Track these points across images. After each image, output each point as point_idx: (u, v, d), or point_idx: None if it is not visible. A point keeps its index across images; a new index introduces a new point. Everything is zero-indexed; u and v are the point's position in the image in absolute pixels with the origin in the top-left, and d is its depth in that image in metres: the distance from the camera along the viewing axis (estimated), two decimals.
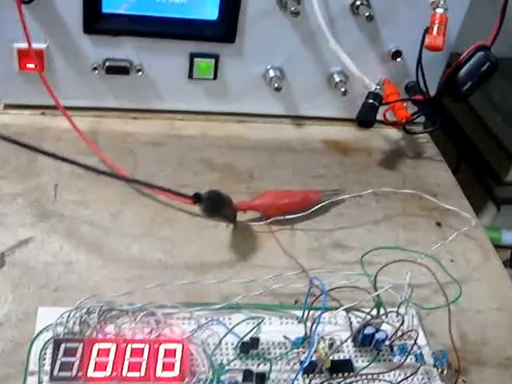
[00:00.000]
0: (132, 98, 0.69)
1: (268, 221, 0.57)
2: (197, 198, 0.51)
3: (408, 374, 0.47)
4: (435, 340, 0.51)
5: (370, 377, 0.46)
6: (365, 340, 0.47)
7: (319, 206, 0.60)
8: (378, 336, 0.46)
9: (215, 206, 0.53)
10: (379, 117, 0.67)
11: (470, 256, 0.60)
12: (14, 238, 0.55)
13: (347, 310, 0.48)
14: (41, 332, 0.46)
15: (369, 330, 0.46)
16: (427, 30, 0.62)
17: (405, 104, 0.68)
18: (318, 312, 0.47)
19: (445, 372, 0.48)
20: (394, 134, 0.75)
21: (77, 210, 0.58)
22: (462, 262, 0.58)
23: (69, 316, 0.47)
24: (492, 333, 0.54)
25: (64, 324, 0.47)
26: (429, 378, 0.48)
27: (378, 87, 0.64)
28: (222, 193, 0.54)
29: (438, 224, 0.63)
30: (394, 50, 0.69)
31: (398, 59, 0.69)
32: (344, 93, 0.69)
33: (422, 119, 0.73)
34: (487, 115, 0.86)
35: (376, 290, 0.49)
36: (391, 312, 0.49)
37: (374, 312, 0.49)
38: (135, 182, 0.51)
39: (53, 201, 0.59)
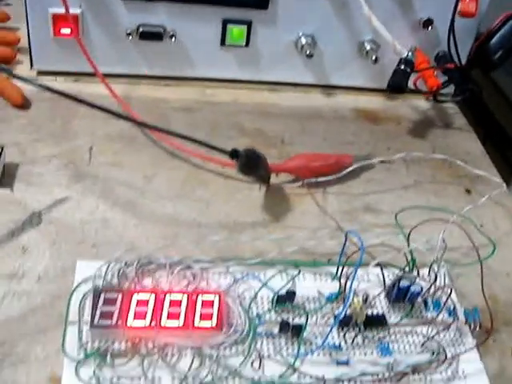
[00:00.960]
0: (164, 65, 0.70)
1: (301, 182, 0.58)
2: (234, 154, 0.52)
3: (441, 329, 0.47)
4: (466, 301, 0.51)
5: (403, 330, 0.47)
6: (399, 294, 0.48)
7: (350, 169, 0.60)
8: (413, 289, 0.47)
9: (252, 163, 0.53)
10: (410, 86, 0.67)
11: (499, 222, 0.61)
12: (50, 197, 0.55)
13: (381, 266, 0.49)
14: (80, 284, 0.47)
15: (404, 283, 0.47)
16: None
17: (435, 73, 0.68)
18: (352, 269, 0.48)
19: (477, 329, 0.49)
20: (423, 104, 0.75)
21: (111, 171, 0.59)
22: (492, 228, 0.59)
23: (107, 269, 0.48)
24: None
25: (102, 277, 0.48)
26: (460, 335, 0.48)
27: (410, 53, 0.64)
28: (259, 152, 0.54)
29: (468, 191, 0.64)
30: (425, 19, 0.69)
31: (429, 28, 0.69)
32: (375, 61, 0.69)
33: (450, 90, 0.74)
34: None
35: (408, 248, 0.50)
36: (424, 268, 0.49)
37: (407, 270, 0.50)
38: (175, 135, 0.51)
39: (87, 163, 0.60)
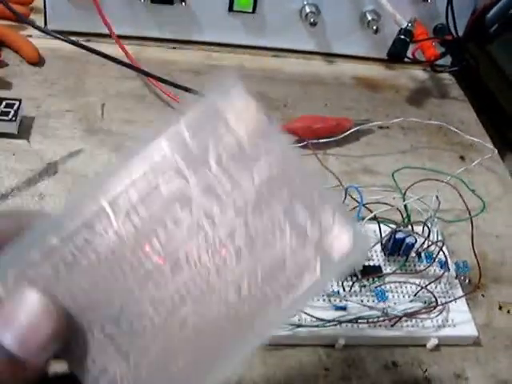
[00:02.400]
0: (173, 29, 0.72)
1: (305, 143, 0.60)
2: None
3: (433, 280, 0.50)
4: (456, 258, 0.54)
5: (398, 280, 0.50)
6: (395, 246, 0.50)
7: (350, 132, 0.63)
8: (408, 240, 0.50)
9: None
10: (408, 56, 0.70)
11: (490, 187, 0.64)
12: (65, 149, 0.58)
13: (378, 220, 0.51)
14: None
15: (399, 235, 0.50)
16: None
17: (433, 44, 0.71)
18: None
19: (466, 281, 0.52)
20: (421, 74, 0.78)
21: (123, 127, 0.62)
22: (483, 192, 0.61)
23: None
24: (510, 255, 0.57)
25: None
26: (451, 287, 0.51)
27: (410, 24, 0.67)
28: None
29: (462, 157, 0.67)
30: None
31: (428, 0, 0.72)
32: (375, 31, 0.71)
33: (447, 62, 0.76)
34: (507, 66, 0.88)
35: (405, 205, 0.52)
36: (418, 226, 0.52)
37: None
38: (190, 92, 0.54)
39: (100, 118, 0.62)
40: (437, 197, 0.51)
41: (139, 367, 0.27)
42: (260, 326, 0.27)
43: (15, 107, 0.57)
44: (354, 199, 0.51)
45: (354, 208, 0.51)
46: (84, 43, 0.68)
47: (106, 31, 0.66)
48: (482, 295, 0.53)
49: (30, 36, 0.68)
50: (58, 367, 0.27)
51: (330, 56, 0.77)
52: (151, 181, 0.27)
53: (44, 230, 0.27)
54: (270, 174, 0.27)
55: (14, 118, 0.57)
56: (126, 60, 0.64)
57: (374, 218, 0.50)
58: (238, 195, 0.27)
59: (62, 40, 0.52)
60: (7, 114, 0.57)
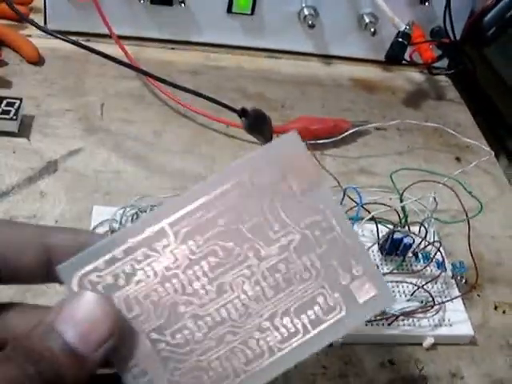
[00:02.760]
0: (172, 30, 0.73)
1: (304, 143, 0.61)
2: (243, 112, 0.55)
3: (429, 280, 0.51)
4: (453, 259, 0.54)
5: (395, 280, 0.50)
6: (392, 246, 0.51)
7: (348, 133, 0.64)
8: (406, 240, 0.50)
9: (258, 122, 0.57)
10: (406, 58, 0.70)
11: (486, 189, 0.64)
12: (65, 148, 0.58)
13: (375, 220, 0.52)
14: (97, 226, 0.50)
15: (397, 235, 0.50)
16: None
17: (430, 46, 0.72)
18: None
19: (463, 281, 0.53)
20: (417, 76, 0.79)
21: (122, 126, 0.62)
22: (479, 194, 0.61)
23: (123, 213, 0.51)
24: (505, 256, 0.58)
25: (118, 220, 0.50)
26: (447, 287, 0.52)
27: (408, 27, 0.68)
28: (265, 113, 0.58)
29: (458, 159, 0.67)
30: None
31: (426, 3, 0.72)
32: (373, 33, 0.72)
33: (443, 64, 0.77)
34: (503, 69, 0.88)
35: (403, 206, 0.53)
36: (416, 224, 0.52)
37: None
38: (193, 93, 0.55)
39: (100, 118, 0.63)
40: (434, 198, 0.52)
41: (175, 374, 0.31)
42: (286, 354, 0.31)
43: (16, 106, 0.58)
44: (353, 200, 0.52)
45: (351, 208, 0.52)
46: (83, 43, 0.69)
47: (105, 31, 0.66)
48: (478, 295, 0.54)
49: (30, 36, 0.69)
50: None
51: (327, 57, 0.77)
52: (209, 211, 0.31)
53: (109, 242, 0.30)
54: (314, 219, 0.32)
55: (14, 117, 0.57)
56: (125, 60, 0.64)
57: (372, 219, 0.51)
58: (283, 234, 0.32)
59: (63, 39, 0.52)
60: (8, 112, 0.57)
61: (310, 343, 0.32)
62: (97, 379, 0.31)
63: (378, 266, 0.52)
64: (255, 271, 0.31)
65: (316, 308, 0.32)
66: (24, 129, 0.59)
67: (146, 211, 0.51)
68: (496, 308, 0.53)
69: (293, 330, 0.32)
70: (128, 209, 0.51)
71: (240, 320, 0.31)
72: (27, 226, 0.33)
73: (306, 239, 0.32)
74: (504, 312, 0.53)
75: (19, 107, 0.58)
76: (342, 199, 0.52)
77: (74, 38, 0.65)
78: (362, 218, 0.51)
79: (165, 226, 0.31)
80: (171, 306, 0.31)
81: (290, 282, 0.32)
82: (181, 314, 0.31)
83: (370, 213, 0.51)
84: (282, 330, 0.32)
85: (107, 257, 0.30)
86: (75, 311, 0.27)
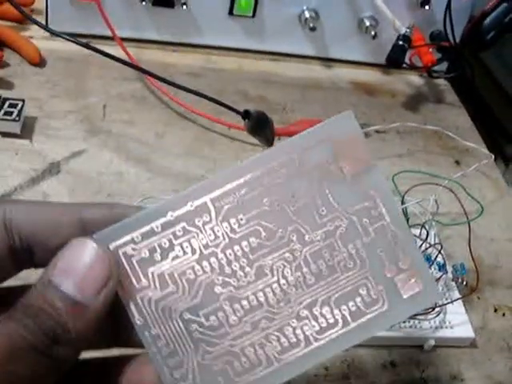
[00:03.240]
0: (174, 32, 0.73)
1: None
2: (246, 114, 0.55)
3: None
4: (453, 261, 0.54)
5: None
6: None
7: None
8: None
9: (261, 124, 0.57)
10: (405, 61, 0.71)
11: (485, 192, 0.65)
12: (68, 149, 0.59)
13: None
14: None
15: None
16: None
17: (430, 50, 0.72)
18: None
19: (463, 283, 0.53)
20: (417, 79, 0.79)
21: (124, 128, 0.62)
22: (478, 197, 0.62)
23: None
24: (504, 259, 0.58)
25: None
26: (448, 290, 0.52)
27: (408, 30, 0.68)
28: (267, 115, 0.58)
29: (457, 162, 0.68)
30: None
31: (426, 7, 0.73)
32: (373, 36, 0.72)
33: (442, 68, 0.78)
34: (500, 74, 0.89)
35: (405, 208, 0.53)
36: (416, 227, 0.53)
37: None
38: (196, 94, 0.55)
39: (102, 119, 0.63)
40: (436, 200, 0.52)
41: (205, 358, 0.30)
42: (322, 346, 0.30)
43: (18, 107, 0.58)
44: None
45: None
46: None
47: (107, 33, 0.66)
48: (478, 298, 0.54)
49: (32, 37, 0.69)
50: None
51: (327, 60, 0.78)
52: (254, 189, 0.30)
53: (148, 214, 0.29)
54: (363, 206, 0.30)
55: (17, 118, 0.57)
56: (124, 66, 0.64)
57: None
58: (330, 219, 0.30)
59: (68, 40, 0.52)
60: (11, 113, 0.57)
61: (349, 336, 0.30)
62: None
63: None
64: (297, 256, 0.30)
65: (358, 299, 0.31)
66: (26, 130, 0.59)
67: None
68: (496, 310, 0.54)
69: (332, 320, 0.30)
70: None
71: (277, 306, 0.30)
72: (59, 204, 0.33)
73: (353, 226, 0.30)
74: (504, 315, 0.54)
75: (22, 108, 0.58)
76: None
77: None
78: None
79: (207, 200, 0.29)
80: (207, 285, 0.30)
81: (333, 270, 0.30)
82: (216, 295, 0.30)
83: None
84: (321, 319, 0.30)
85: (144, 229, 0.29)
86: (69, 262, 0.28)
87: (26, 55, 0.67)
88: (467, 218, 0.52)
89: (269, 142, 0.61)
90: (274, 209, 0.30)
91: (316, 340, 0.30)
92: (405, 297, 0.31)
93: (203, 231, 0.30)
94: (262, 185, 0.30)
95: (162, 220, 0.29)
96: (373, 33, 0.72)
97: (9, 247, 0.30)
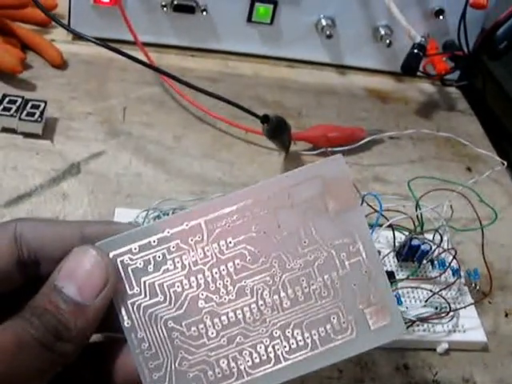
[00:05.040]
0: (193, 37, 0.74)
1: (323, 150, 0.62)
2: (265, 118, 0.57)
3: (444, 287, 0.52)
4: (465, 266, 0.56)
5: (410, 286, 0.52)
6: (409, 252, 0.52)
7: (363, 142, 0.65)
8: (423, 247, 0.51)
9: (279, 128, 0.58)
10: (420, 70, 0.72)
11: (496, 198, 0.65)
12: (88, 150, 0.60)
13: (393, 227, 0.53)
14: None
15: (415, 242, 0.52)
16: None
17: (444, 59, 0.73)
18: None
19: (476, 288, 0.54)
20: (429, 87, 0.80)
21: (143, 130, 0.63)
22: (490, 203, 0.63)
23: (146, 215, 0.52)
24: None
25: (141, 223, 0.51)
26: (460, 294, 0.53)
27: (423, 39, 0.69)
28: (286, 120, 0.59)
29: (468, 169, 0.69)
30: (437, 8, 0.74)
31: (440, 17, 0.74)
32: (388, 45, 0.73)
33: (454, 76, 0.79)
34: (509, 84, 0.90)
35: (419, 213, 0.54)
36: (430, 232, 0.53)
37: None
38: (218, 99, 0.56)
39: (121, 121, 0.64)
40: (450, 206, 0.53)
41: (182, 364, 0.32)
42: (290, 365, 0.33)
43: (41, 108, 0.59)
44: (371, 207, 0.53)
45: (366, 216, 0.53)
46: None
47: (127, 38, 0.67)
48: (489, 302, 0.55)
49: (54, 40, 0.70)
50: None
51: (342, 68, 0.79)
52: (245, 216, 0.33)
53: (147, 229, 0.32)
54: (343, 241, 0.33)
55: (39, 119, 0.58)
56: (145, 69, 0.65)
57: (389, 226, 0.52)
58: (311, 250, 0.33)
59: (90, 41, 0.54)
60: (33, 114, 0.59)
61: (316, 359, 0.33)
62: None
63: (393, 272, 0.53)
64: (277, 281, 0.33)
65: (328, 326, 0.33)
66: (48, 131, 0.60)
67: (167, 214, 0.52)
68: (507, 315, 0.55)
69: (302, 343, 0.33)
70: (151, 211, 0.52)
71: (253, 324, 0.33)
72: (63, 221, 0.37)
73: (331, 259, 0.33)
74: None
75: (44, 110, 0.59)
76: (361, 205, 0.53)
77: None
78: (380, 225, 0.52)
79: (201, 222, 0.32)
80: (192, 299, 0.32)
81: (309, 297, 0.33)
82: (199, 309, 0.33)
83: (387, 220, 0.52)
84: (292, 341, 0.33)
85: (142, 242, 0.32)
86: (71, 267, 0.31)
87: (49, 58, 0.68)
88: (481, 224, 0.53)
89: (285, 147, 0.62)
90: (261, 236, 0.33)
91: (285, 359, 0.33)
92: (372, 328, 0.33)
93: (194, 249, 0.33)
94: (252, 213, 0.33)
95: (159, 235, 0.32)
96: (387, 41, 0.73)
97: (18, 259, 0.33)
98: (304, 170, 0.33)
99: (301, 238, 0.33)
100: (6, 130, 0.59)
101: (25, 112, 0.59)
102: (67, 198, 0.55)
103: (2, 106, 0.59)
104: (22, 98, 0.60)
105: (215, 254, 0.33)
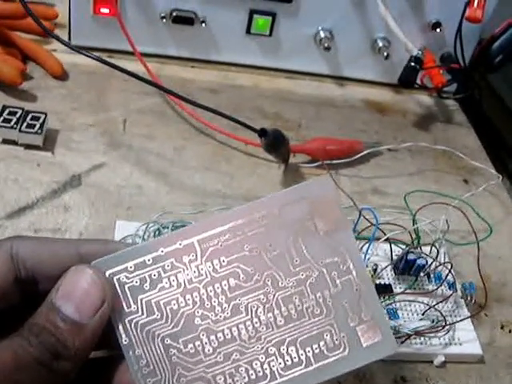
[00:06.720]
0: (192, 48, 0.75)
1: (321, 163, 0.63)
2: (263, 132, 0.57)
3: (441, 300, 0.52)
4: (461, 279, 0.56)
5: (407, 299, 0.52)
6: (406, 265, 0.53)
7: (361, 154, 0.65)
8: (419, 262, 0.52)
9: (277, 142, 0.59)
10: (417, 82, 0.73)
11: (493, 211, 0.66)
12: (89, 162, 0.60)
13: (390, 241, 0.54)
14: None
15: (411, 256, 0.52)
16: (468, 3, 0.68)
17: (441, 71, 0.74)
18: (361, 243, 0.52)
19: (472, 301, 0.54)
20: (427, 100, 0.81)
21: (144, 142, 0.64)
22: (486, 216, 0.63)
23: (146, 228, 0.52)
24: (511, 277, 0.60)
25: (141, 236, 0.52)
26: (457, 307, 0.53)
27: (420, 52, 0.70)
28: (284, 133, 0.60)
29: (465, 181, 0.69)
30: (434, 21, 0.74)
31: (437, 30, 0.75)
32: (386, 57, 0.74)
33: (452, 89, 0.79)
34: (507, 96, 0.90)
35: (416, 227, 0.54)
36: (427, 245, 0.54)
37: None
38: (212, 112, 0.57)
39: (122, 133, 0.64)
40: (446, 220, 0.54)
41: (180, 381, 0.33)
42: (285, 381, 0.34)
43: (41, 120, 0.59)
44: (368, 220, 0.53)
45: (364, 229, 0.54)
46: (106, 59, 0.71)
47: (128, 48, 0.68)
48: (486, 315, 0.56)
49: (55, 51, 0.70)
50: None
51: (341, 79, 0.79)
52: (237, 236, 0.34)
53: (142, 248, 0.33)
54: (333, 260, 0.34)
55: (39, 131, 0.59)
56: (147, 77, 0.66)
57: (386, 239, 0.53)
58: (302, 269, 0.34)
59: (86, 55, 0.54)
60: (33, 126, 0.59)
61: (310, 375, 0.34)
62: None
63: (391, 285, 0.53)
64: (270, 299, 0.34)
65: (321, 343, 0.34)
66: (48, 142, 0.61)
67: (167, 227, 0.53)
68: (503, 327, 0.55)
69: (296, 359, 0.34)
70: (151, 224, 0.52)
71: (249, 341, 0.34)
72: (60, 239, 0.38)
73: (323, 277, 0.34)
74: (510, 331, 0.55)
75: (44, 121, 0.59)
76: (358, 219, 0.53)
77: (97, 53, 0.67)
78: (377, 238, 0.52)
79: (194, 241, 0.33)
80: (188, 316, 0.33)
81: (302, 315, 0.34)
82: (196, 326, 0.33)
83: (384, 234, 0.52)
84: (287, 357, 0.34)
85: (138, 261, 0.33)
86: (69, 287, 0.31)
87: (49, 69, 0.68)
88: (476, 238, 0.54)
89: (284, 160, 0.63)
90: (253, 255, 0.34)
91: (280, 376, 0.34)
92: (364, 345, 0.34)
93: (189, 268, 0.33)
94: (244, 233, 0.34)
95: (154, 254, 0.33)
96: (385, 53, 0.74)
97: (15, 277, 0.33)
98: (291, 192, 0.34)
99: (292, 256, 0.34)
100: (6, 141, 0.59)
101: (25, 124, 0.59)
102: (68, 209, 0.55)
103: (2, 118, 0.59)
104: (22, 109, 0.60)
105: (209, 273, 0.33)
